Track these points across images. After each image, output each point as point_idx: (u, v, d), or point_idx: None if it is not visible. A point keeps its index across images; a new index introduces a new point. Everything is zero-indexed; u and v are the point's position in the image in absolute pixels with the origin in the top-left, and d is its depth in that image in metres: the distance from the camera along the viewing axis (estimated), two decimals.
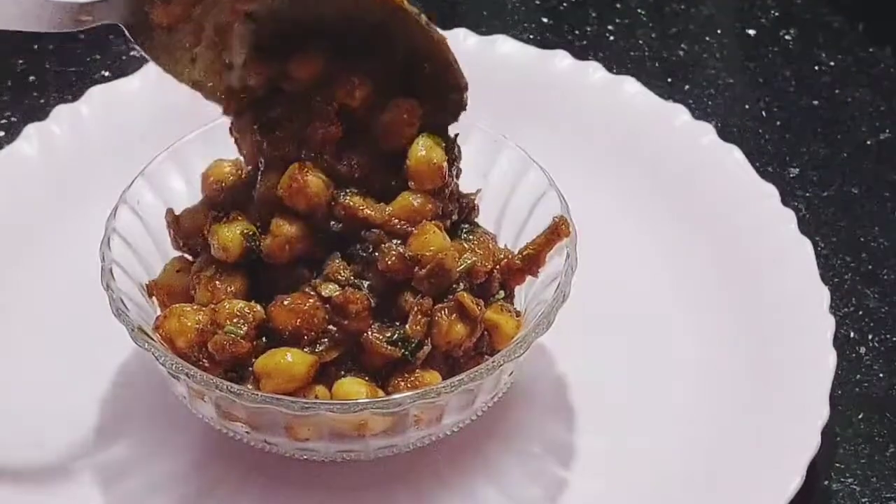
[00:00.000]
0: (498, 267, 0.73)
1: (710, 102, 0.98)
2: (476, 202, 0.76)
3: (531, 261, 0.74)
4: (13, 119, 0.94)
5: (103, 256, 0.72)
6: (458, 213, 0.74)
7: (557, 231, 0.73)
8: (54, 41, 1.01)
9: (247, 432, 0.71)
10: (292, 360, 0.68)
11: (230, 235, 0.71)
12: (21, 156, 0.87)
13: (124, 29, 0.71)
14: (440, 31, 0.72)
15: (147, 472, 0.74)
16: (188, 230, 0.74)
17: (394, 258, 0.70)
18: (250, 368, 0.69)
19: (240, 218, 0.72)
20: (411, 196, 0.72)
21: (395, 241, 0.70)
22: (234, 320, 0.69)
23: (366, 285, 0.70)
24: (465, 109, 0.73)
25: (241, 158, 0.74)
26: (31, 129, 0.88)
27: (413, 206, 0.71)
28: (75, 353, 0.78)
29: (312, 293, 0.70)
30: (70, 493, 0.73)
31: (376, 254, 0.70)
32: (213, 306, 0.70)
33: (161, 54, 0.73)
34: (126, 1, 0.70)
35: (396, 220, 0.71)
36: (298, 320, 0.69)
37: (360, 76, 0.71)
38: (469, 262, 0.72)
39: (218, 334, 0.69)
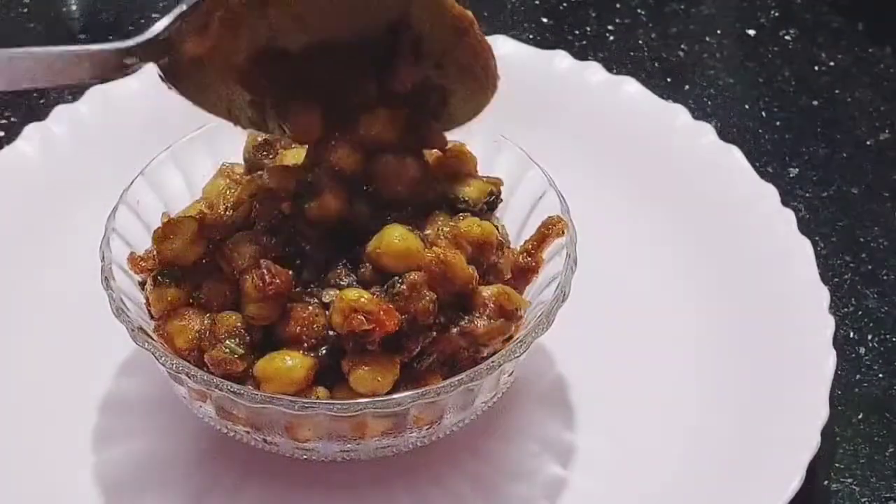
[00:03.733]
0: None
1: (710, 102, 0.98)
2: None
3: (529, 257, 0.74)
4: (13, 119, 0.94)
5: (103, 256, 0.72)
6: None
7: (550, 226, 0.73)
8: (53, 41, 1.01)
9: (247, 432, 0.71)
10: (291, 363, 0.68)
11: None
12: (21, 156, 0.87)
13: (159, 70, 0.69)
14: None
15: (147, 472, 0.74)
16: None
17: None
18: (250, 371, 0.69)
19: None
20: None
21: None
22: (233, 339, 0.69)
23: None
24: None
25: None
26: (31, 129, 0.88)
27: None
28: (75, 353, 0.78)
29: (312, 300, 0.69)
30: (70, 493, 0.73)
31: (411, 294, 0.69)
32: (212, 315, 0.70)
33: (195, 94, 0.71)
34: (166, 40, 0.68)
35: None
36: (299, 327, 0.69)
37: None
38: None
39: (216, 348, 0.69)
